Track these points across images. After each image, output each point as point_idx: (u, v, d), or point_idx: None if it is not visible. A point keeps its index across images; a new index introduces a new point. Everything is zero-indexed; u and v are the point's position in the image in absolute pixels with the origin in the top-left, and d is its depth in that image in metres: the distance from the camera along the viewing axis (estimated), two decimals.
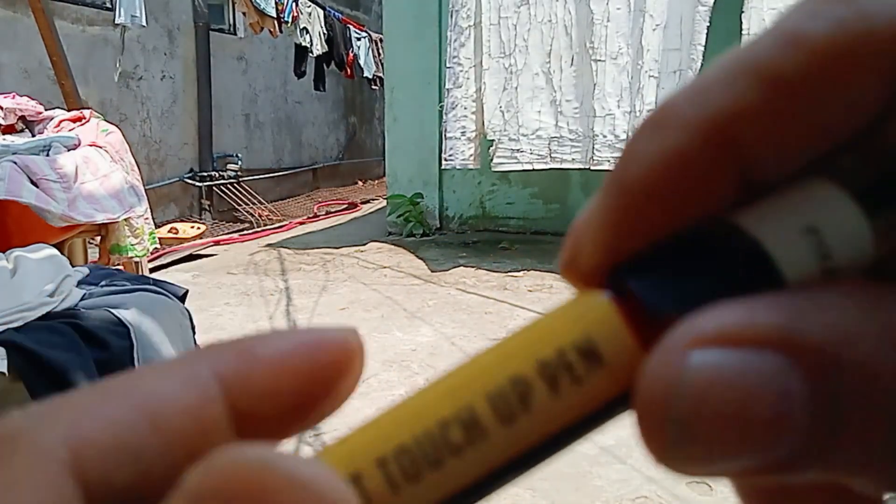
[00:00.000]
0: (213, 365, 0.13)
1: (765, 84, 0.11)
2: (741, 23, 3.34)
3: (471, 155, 3.94)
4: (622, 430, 1.55)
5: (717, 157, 0.12)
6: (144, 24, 4.86)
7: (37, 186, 1.99)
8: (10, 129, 2.50)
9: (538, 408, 0.12)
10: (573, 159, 3.81)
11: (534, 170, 3.91)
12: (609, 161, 3.69)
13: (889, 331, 0.11)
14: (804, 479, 0.12)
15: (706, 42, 3.43)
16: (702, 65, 3.44)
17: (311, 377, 0.13)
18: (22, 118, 2.54)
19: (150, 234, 2.60)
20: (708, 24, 3.41)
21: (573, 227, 0.14)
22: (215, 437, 0.13)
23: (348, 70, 7.38)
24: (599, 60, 3.66)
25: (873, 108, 0.12)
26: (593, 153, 3.71)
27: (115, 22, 4.74)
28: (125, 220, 2.39)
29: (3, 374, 1.23)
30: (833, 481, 0.12)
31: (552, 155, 3.83)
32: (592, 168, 3.76)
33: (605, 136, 3.67)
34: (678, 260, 0.13)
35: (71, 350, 1.30)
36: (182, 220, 5.73)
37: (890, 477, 0.11)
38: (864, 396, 0.11)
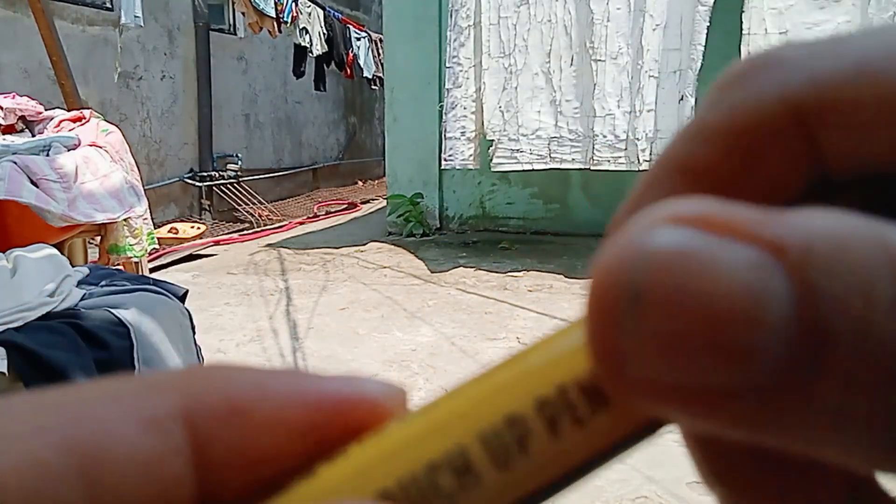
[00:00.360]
0: (186, 401, 0.10)
1: (687, 179, 0.12)
2: (741, 22, 3.34)
3: (470, 155, 3.94)
4: None
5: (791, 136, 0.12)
6: (143, 24, 4.86)
7: (37, 186, 1.99)
8: (10, 129, 2.50)
9: (537, 452, 0.11)
10: (573, 159, 3.81)
11: (533, 170, 3.91)
12: (609, 161, 3.69)
13: (888, 246, 0.09)
14: (770, 443, 0.09)
15: (706, 42, 3.43)
16: (702, 65, 3.44)
17: (315, 441, 0.11)
18: (22, 118, 2.54)
19: (149, 234, 2.60)
20: (708, 23, 3.41)
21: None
22: (169, 488, 0.10)
23: (348, 70, 7.38)
24: (599, 60, 3.65)
25: (799, 174, 0.11)
26: (593, 153, 3.71)
27: (121, 23, 4.74)
28: (124, 220, 2.39)
29: (3, 374, 1.23)
30: (800, 453, 0.10)
31: (552, 155, 3.83)
32: (592, 168, 3.76)
33: (605, 136, 3.67)
34: None
35: (71, 350, 1.30)
36: (182, 220, 5.73)
37: (870, 452, 0.09)
38: (857, 319, 0.09)
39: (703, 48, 3.42)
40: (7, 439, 0.09)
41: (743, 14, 3.34)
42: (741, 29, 3.34)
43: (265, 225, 6.01)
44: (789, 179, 0.11)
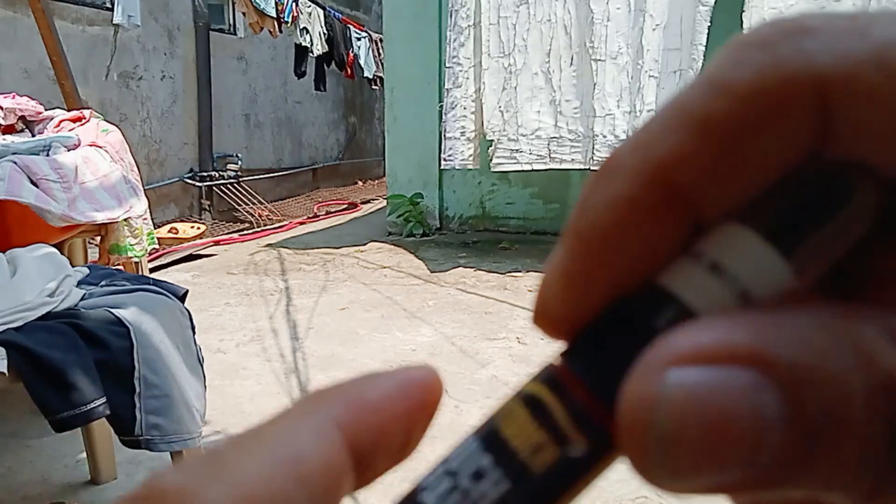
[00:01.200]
0: (332, 414, 0.14)
1: (698, 131, 0.12)
2: (741, 22, 3.34)
3: (470, 155, 3.93)
4: None
5: (660, 200, 0.13)
6: (139, 23, 4.85)
7: (37, 186, 1.99)
8: (10, 129, 2.50)
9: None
10: (573, 159, 3.81)
11: (533, 170, 3.91)
12: None
13: (858, 348, 0.11)
14: (782, 496, 0.12)
15: (707, 42, 3.43)
16: (702, 65, 3.44)
17: (411, 417, 0.15)
18: (22, 118, 2.54)
19: (149, 234, 2.60)
20: (709, 23, 3.41)
21: (542, 277, 0.15)
22: (345, 482, 0.14)
23: (348, 70, 7.38)
24: (599, 60, 3.65)
25: (801, 147, 0.12)
26: (593, 153, 3.71)
27: (113, 21, 4.74)
28: (125, 220, 2.39)
29: (3, 374, 1.23)
30: (810, 497, 0.12)
31: (552, 155, 3.83)
32: (592, 168, 3.75)
33: (604, 136, 3.67)
34: (612, 334, 0.14)
35: (71, 350, 1.30)
36: (182, 220, 5.73)
37: (864, 492, 0.12)
38: (838, 412, 0.11)
39: (703, 48, 3.42)
40: (245, 466, 0.13)
41: (743, 14, 3.34)
42: (741, 29, 3.34)
43: (265, 225, 6.01)
44: (792, 148, 0.12)
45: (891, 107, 0.11)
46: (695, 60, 3.44)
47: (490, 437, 0.15)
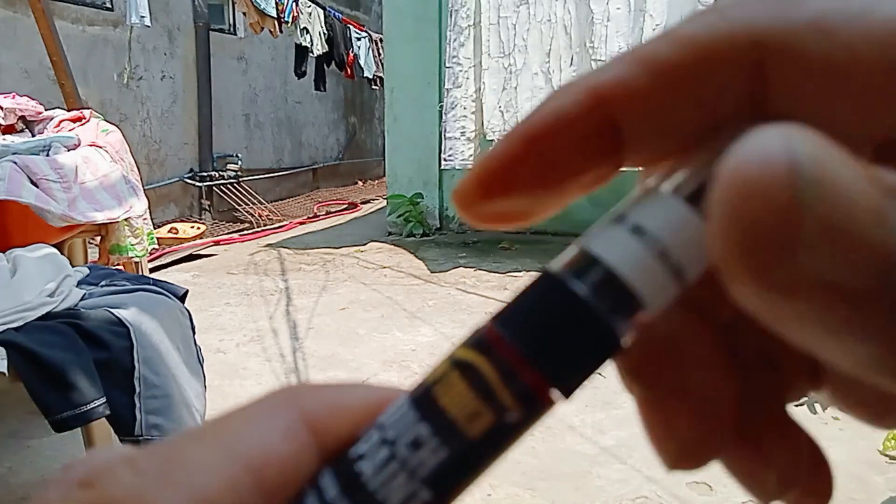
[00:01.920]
0: (304, 411, 0.14)
1: (644, 68, 0.13)
2: None
3: (470, 155, 3.94)
4: (622, 431, 1.54)
5: (595, 120, 0.14)
6: (149, 24, 4.87)
7: (37, 186, 1.99)
8: (10, 129, 2.50)
9: None
10: None
11: None
12: None
13: None
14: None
15: None
16: None
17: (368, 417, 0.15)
18: (22, 118, 2.54)
19: (149, 234, 2.60)
20: None
21: (482, 160, 0.16)
22: (305, 478, 0.14)
23: (348, 70, 7.38)
24: (599, 60, 3.65)
25: (734, 100, 0.13)
26: None
27: (127, 23, 4.74)
28: (125, 220, 2.39)
29: (2, 374, 1.23)
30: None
31: None
32: None
33: None
34: (540, 298, 0.15)
35: (71, 350, 1.30)
36: (182, 220, 5.73)
37: None
38: None
39: None
40: (201, 466, 0.13)
41: None
42: None
43: (265, 225, 6.01)
44: (726, 100, 0.13)
45: (821, 71, 0.12)
46: None
47: (426, 404, 0.15)
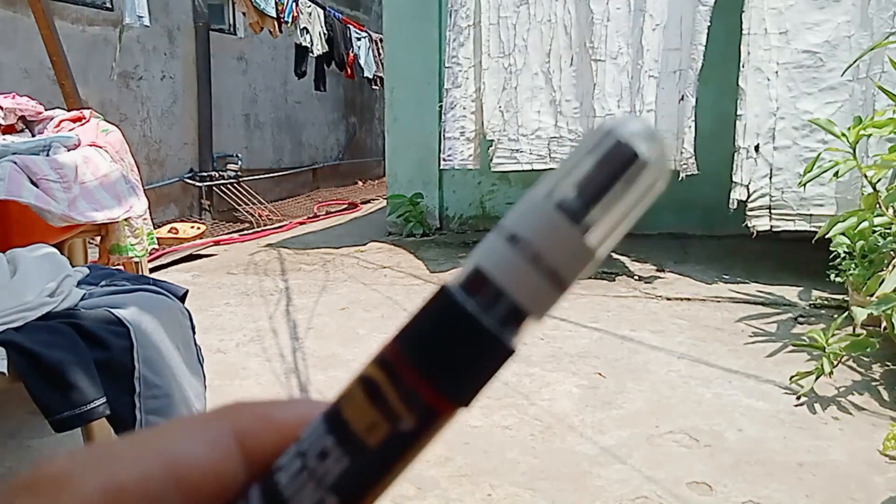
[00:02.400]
0: (235, 426, 0.16)
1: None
2: (741, 23, 3.34)
3: (470, 155, 3.93)
4: (622, 431, 1.54)
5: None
6: (148, 24, 4.86)
7: (37, 186, 1.98)
8: (10, 129, 2.50)
9: None
10: None
11: (533, 170, 3.91)
12: None
13: None
14: None
15: (707, 42, 3.43)
16: (702, 65, 3.44)
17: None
18: (22, 118, 2.54)
19: (149, 234, 2.60)
20: (709, 23, 3.41)
21: None
22: (231, 487, 0.16)
23: (348, 70, 7.37)
24: (599, 60, 3.65)
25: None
26: None
27: (124, 22, 4.74)
28: (125, 220, 2.39)
29: (3, 374, 1.22)
30: None
31: (552, 155, 3.83)
32: None
33: None
34: (433, 315, 0.17)
35: (71, 350, 1.30)
36: (182, 220, 5.72)
37: None
38: None
39: (703, 48, 3.42)
40: (124, 460, 0.15)
41: (743, 14, 3.33)
42: (741, 29, 3.34)
43: (265, 225, 6.01)
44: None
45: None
46: (694, 60, 3.44)
47: (333, 418, 0.17)
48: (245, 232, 5.62)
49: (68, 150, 2.25)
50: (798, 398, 2.12)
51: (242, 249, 4.70)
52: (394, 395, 0.16)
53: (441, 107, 4.10)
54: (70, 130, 2.44)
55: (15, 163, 1.96)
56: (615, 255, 4.22)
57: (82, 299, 1.49)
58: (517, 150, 3.85)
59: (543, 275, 0.16)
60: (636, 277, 3.71)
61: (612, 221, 0.16)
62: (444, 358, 0.16)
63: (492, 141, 3.88)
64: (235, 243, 5.01)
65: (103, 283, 1.62)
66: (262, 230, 5.66)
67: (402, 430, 0.16)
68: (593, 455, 1.79)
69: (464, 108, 3.90)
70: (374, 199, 7.65)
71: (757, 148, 3.37)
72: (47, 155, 2.17)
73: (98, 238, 2.47)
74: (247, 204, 6.47)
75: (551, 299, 0.16)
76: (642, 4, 3.56)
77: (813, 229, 3.12)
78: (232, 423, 0.16)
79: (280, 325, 2.94)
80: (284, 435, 0.16)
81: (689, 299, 3.28)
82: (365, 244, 4.70)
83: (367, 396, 0.16)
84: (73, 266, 1.70)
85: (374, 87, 8.20)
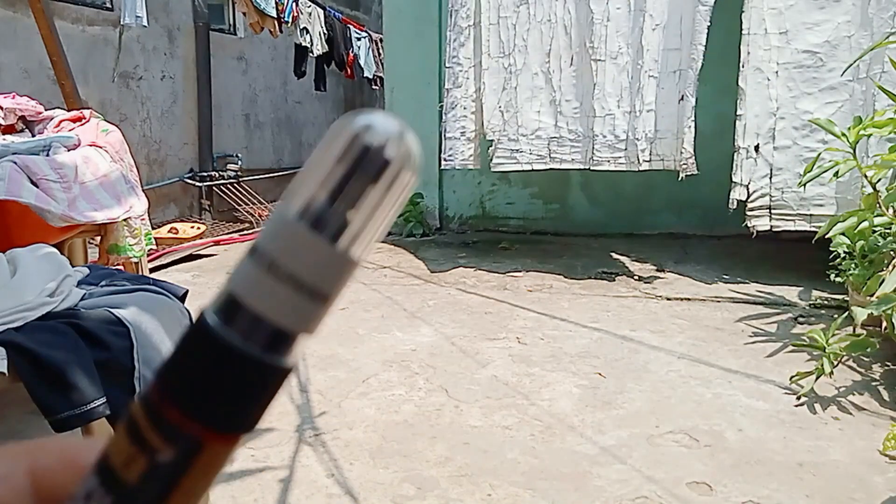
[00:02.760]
0: (34, 464, 0.17)
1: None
2: (741, 23, 3.34)
3: (470, 155, 3.93)
4: (622, 431, 1.54)
5: None
6: (146, 24, 4.86)
7: (37, 186, 1.98)
8: (10, 129, 2.50)
9: None
10: (573, 159, 3.81)
11: (533, 170, 3.91)
12: (609, 161, 3.69)
13: None
14: None
15: (707, 42, 3.43)
16: (702, 65, 3.44)
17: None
18: (22, 118, 2.54)
19: (147, 234, 2.60)
20: (709, 23, 3.41)
21: None
22: None
23: (348, 70, 7.37)
24: (599, 60, 3.65)
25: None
26: (593, 153, 3.71)
27: (122, 22, 4.74)
28: (124, 220, 2.39)
29: (3, 374, 1.22)
30: None
31: (552, 155, 3.83)
32: (592, 168, 3.75)
33: (604, 136, 3.67)
34: (186, 348, 0.17)
35: (71, 350, 1.30)
36: (182, 220, 5.72)
37: None
38: None
39: (703, 48, 3.42)
40: None
41: (743, 14, 3.33)
42: (741, 29, 3.34)
43: None
44: None
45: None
46: (694, 60, 3.44)
47: (100, 459, 0.17)
48: (245, 232, 5.62)
49: (68, 150, 2.25)
50: (798, 398, 2.12)
51: (242, 249, 4.69)
52: (147, 426, 0.16)
53: (441, 107, 4.10)
54: (70, 130, 2.44)
55: (15, 163, 1.96)
56: (615, 256, 4.23)
57: (82, 299, 1.49)
58: (517, 150, 3.85)
59: (300, 292, 0.15)
60: (636, 277, 3.71)
61: (367, 226, 0.16)
62: (204, 389, 0.16)
63: (492, 141, 3.88)
64: (235, 243, 5.01)
65: (103, 283, 1.62)
66: None
67: (160, 464, 0.16)
68: (593, 455, 1.79)
69: (464, 108, 3.90)
70: None
71: (757, 148, 3.37)
72: (47, 155, 2.17)
73: (98, 238, 2.47)
74: (247, 204, 6.47)
75: (316, 314, 0.16)
76: (642, 4, 3.56)
77: (813, 229, 3.12)
78: (31, 461, 0.17)
79: None
80: (75, 472, 0.17)
81: (689, 299, 3.28)
82: None
83: (127, 434, 0.16)
84: (73, 266, 1.69)
85: (374, 87, 8.20)
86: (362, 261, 0.16)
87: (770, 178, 3.36)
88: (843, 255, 2.72)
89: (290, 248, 0.15)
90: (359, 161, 0.15)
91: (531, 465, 1.74)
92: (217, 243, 4.97)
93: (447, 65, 3.93)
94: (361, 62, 7.51)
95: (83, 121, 2.53)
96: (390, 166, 0.15)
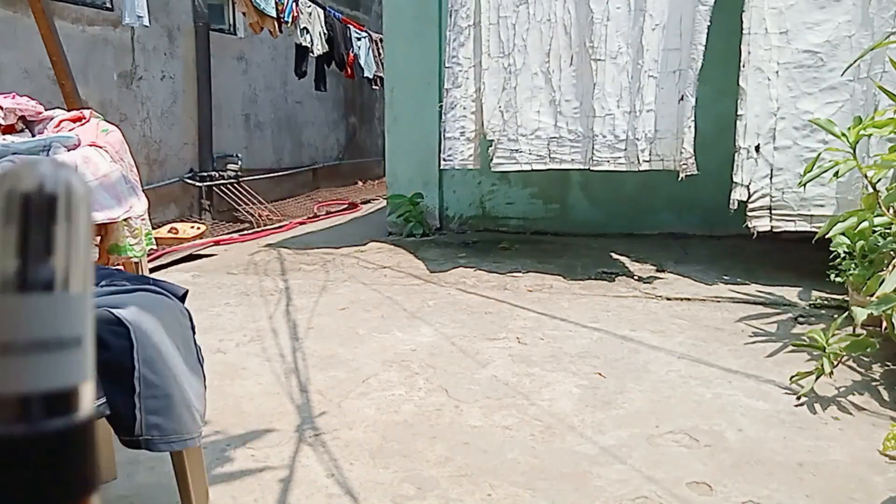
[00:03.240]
0: None
1: None
2: (741, 22, 3.34)
3: (470, 155, 3.93)
4: (622, 431, 1.54)
5: None
6: (147, 24, 4.86)
7: None
8: (10, 129, 2.50)
9: None
10: (573, 159, 3.80)
11: (533, 170, 3.91)
12: (609, 161, 3.69)
13: None
14: None
15: (707, 42, 3.43)
16: (702, 65, 3.44)
17: None
18: (22, 118, 2.54)
19: (147, 234, 2.60)
20: (709, 23, 3.41)
21: None
22: None
23: (348, 70, 7.38)
24: (599, 60, 3.65)
25: None
26: (593, 153, 3.71)
27: (123, 22, 4.74)
28: (124, 220, 2.39)
29: None
30: None
31: (551, 155, 3.83)
32: (592, 168, 3.75)
33: (604, 136, 3.67)
34: None
35: None
36: (182, 220, 5.73)
37: None
38: None
39: (703, 48, 3.42)
40: None
41: (743, 14, 3.33)
42: (741, 29, 3.34)
43: (265, 225, 6.00)
44: None
45: None
46: (694, 60, 3.44)
47: None
48: (245, 232, 5.62)
49: (68, 150, 2.25)
50: (798, 398, 2.12)
51: (242, 249, 4.70)
52: None
53: (441, 107, 4.10)
54: (70, 130, 2.44)
55: (15, 163, 1.95)
56: (615, 256, 4.23)
57: None
58: (517, 150, 3.85)
59: (39, 351, 0.15)
60: (636, 277, 3.71)
61: (71, 258, 0.15)
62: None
63: (492, 141, 3.88)
64: (235, 243, 5.01)
65: (103, 283, 1.62)
66: (262, 230, 5.66)
67: None
68: (593, 455, 1.79)
69: (464, 108, 3.90)
70: (374, 199, 7.65)
71: (757, 148, 3.37)
72: (47, 155, 2.17)
73: (98, 238, 2.47)
74: (247, 204, 6.47)
75: (73, 357, 0.15)
76: (642, 4, 3.56)
77: (813, 229, 3.12)
78: None
79: (280, 325, 2.94)
80: None
81: (689, 299, 3.28)
82: (365, 244, 4.70)
83: None
84: None
85: (374, 87, 8.20)
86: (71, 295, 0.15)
87: (770, 178, 3.36)
88: (843, 255, 2.72)
89: (9, 321, 0.14)
90: (26, 211, 0.15)
91: (531, 465, 1.74)
92: (217, 243, 4.97)
93: (447, 65, 3.93)
94: (361, 62, 7.52)
95: (83, 121, 2.53)
96: (59, 199, 0.15)
